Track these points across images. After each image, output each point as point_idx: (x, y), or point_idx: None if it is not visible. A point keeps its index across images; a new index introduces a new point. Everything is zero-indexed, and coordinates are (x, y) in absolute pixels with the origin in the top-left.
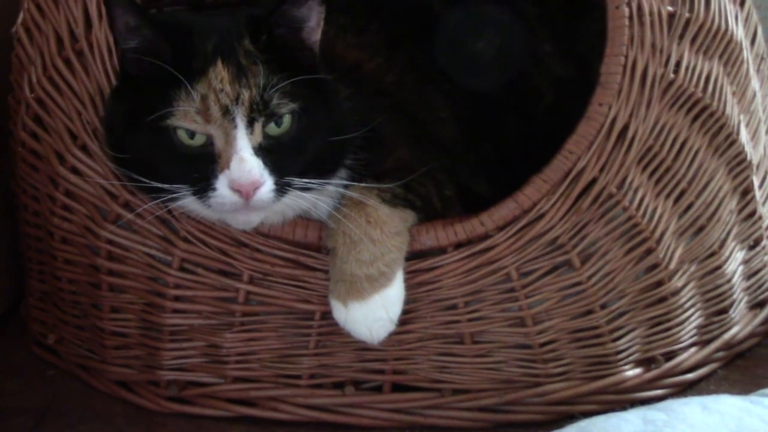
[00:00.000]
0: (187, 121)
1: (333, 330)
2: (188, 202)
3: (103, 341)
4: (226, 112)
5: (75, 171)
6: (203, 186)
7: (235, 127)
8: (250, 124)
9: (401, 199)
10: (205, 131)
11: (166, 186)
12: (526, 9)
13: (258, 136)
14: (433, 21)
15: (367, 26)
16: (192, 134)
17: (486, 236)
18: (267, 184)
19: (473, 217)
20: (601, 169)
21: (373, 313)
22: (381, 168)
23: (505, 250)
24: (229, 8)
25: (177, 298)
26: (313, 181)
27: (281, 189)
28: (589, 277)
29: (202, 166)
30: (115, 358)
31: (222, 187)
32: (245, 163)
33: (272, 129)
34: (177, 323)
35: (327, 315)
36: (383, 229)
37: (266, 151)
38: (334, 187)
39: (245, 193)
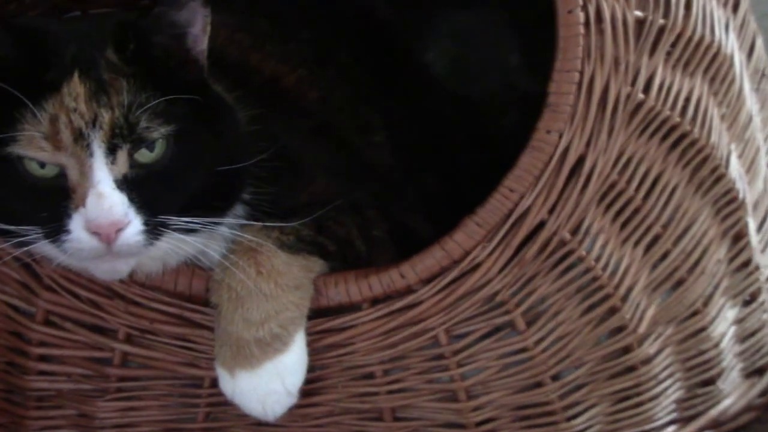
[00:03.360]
0: (32, 148)
1: (226, 400)
2: (42, 246)
3: None
4: (80, 136)
5: None
6: (55, 227)
7: (91, 155)
8: (112, 151)
9: (308, 243)
10: (56, 161)
11: (11, 228)
12: (494, 14)
13: (122, 166)
14: (374, 28)
15: (294, 35)
16: (41, 164)
17: (409, 291)
18: (133, 225)
19: (392, 268)
20: (551, 211)
21: (266, 385)
22: (289, 204)
23: (431, 308)
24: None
25: (42, 358)
26: (196, 221)
27: (153, 231)
28: (538, 342)
29: (54, 203)
30: None
31: (77, 228)
32: (104, 200)
33: (142, 156)
34: (42, 387)
35: (218, 382)
36: (278, 282)
37: (133, 184)
38: (227, 228)
39: (105, 236)
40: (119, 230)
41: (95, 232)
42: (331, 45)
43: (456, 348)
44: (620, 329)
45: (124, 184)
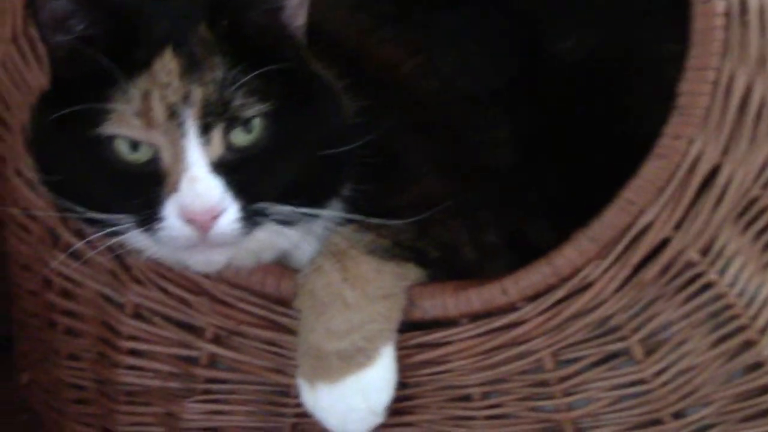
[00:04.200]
0: (123, 126)
1: None
2: (135, 236)
3: (60, 392)
4: (173, 114)
5: (31, 185)
6: (148, 215)
7: (184, 134)
8: (206, 130)
9: (404, 248)
10: (148, 139)
11: (103, 217)
12: None
13: (217, 147)
14: (502, 13)
15: (416, 17)
16: (134, 146)
17: (511, 308)
18: (230, 212)
19: (493, 282)
20: (677, 227)
21: (347, 401)
22: (391, 204)
23: (536, 328)
24: None
25: (131, 352)
26: (297, 209)
27: (251, 219)
28: (657, 374)
29: (146, 190)
30: (73, 413)
31: (171, 216)
32: (198, 184)
33: (238, 138)
34: (132, 382)
35: None
36: (365, 290)
37: (229, 168)
38: (324, 224)
39: (201, 223)
40: (215, 217)
41: (190, 220)
42: (453, 31)
43: (563, 374)
44: (757, 366)
45: (220, 167)
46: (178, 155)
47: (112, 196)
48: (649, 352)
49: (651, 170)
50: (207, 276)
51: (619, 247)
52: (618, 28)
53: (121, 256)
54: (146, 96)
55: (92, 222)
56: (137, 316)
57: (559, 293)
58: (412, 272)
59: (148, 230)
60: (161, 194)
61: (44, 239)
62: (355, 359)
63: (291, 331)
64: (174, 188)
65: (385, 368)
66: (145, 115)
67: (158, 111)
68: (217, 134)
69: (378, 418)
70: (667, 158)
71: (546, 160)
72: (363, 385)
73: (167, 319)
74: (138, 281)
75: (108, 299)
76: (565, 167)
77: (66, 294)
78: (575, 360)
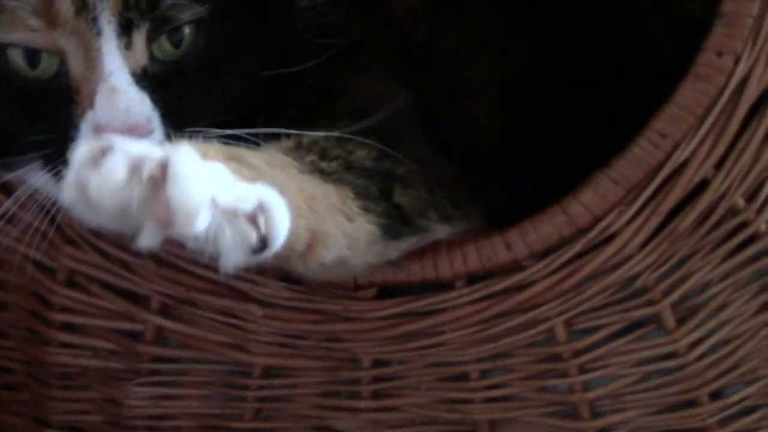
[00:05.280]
0: (17, 29)
1: (280, 395)
2: (41, 181)
3: None
4: (83, 7)
5: None
6: (58, 147)
7: (99, 33)
8: (126, 30)
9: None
10: (50, 43)
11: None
12: None
13: (140, 55)
14: None
15: None
16: (33, 58)
17: (517, 267)
18: (157, 136)
19: (495, 236)
20: (718, 166)
21: None
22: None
23: (546, 291)
24: None
25: (65, 326)
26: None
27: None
28: (692, 346)
29: (53, 115)
30: (4, 402)
31: (85, 138)
32: (118, 96)
33: (164, 49)
34: (66, 362)
35: (272, 371)
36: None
37: (155, 82)
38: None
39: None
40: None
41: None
42: None
43: (578, 347)
44: None
45: (144, 80)
46: (92, 61)
47: (11, 128)
48: (681, 320)
49: (688, 94)
50: None
51: (648, 191)
52: None
53: (51, 213)
54: None
55: None
56: (71, 283)
57: (575, 248)
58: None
59: (56, 168)
60: (73, 116)
61: None
62: None
63: (251, 299)
64: (88, 104)
65: None
66: (45, 12)
67: (63, 5)
68: (139, 38)
69: None
70: (709, 80)
71: (538, 111)
72: None
73: (106, 286)
74: (71, 242)
75: (37, 265)
76: (561, 117)
77: None
78: (593, 330)
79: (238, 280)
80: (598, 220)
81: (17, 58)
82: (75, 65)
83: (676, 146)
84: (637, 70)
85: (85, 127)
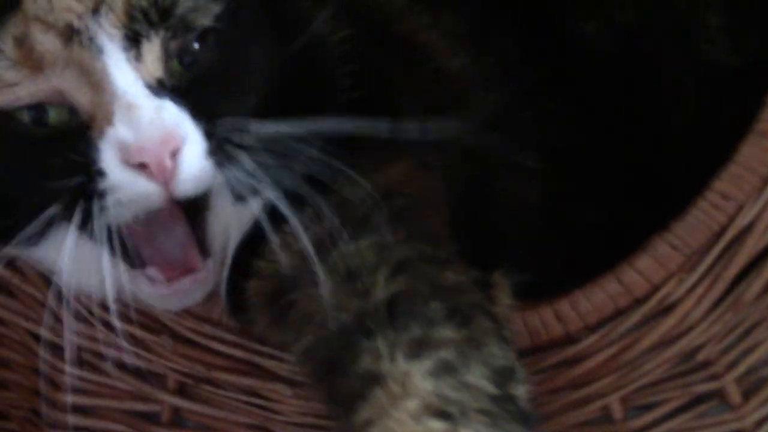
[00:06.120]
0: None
1: None
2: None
3: None
4: (73, 33)
5: None
6: (81, 187)
7: (100, 51)
8: (133, 42)
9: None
10: (43, 89)
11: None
12: None
13: (154, 67)
14: None
15: None
16: (37, 119)
17: (568, 340)
18: (193, 140)
19: (544, 306)
20: None
21: None
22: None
23: (601, 366)
24: None
25: (74, 409)
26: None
27: (223, 149)
28: (760, 423)
29: (70, 159)
30: None
31: (111, 164)
32: (139, 108)
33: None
34: None
35: None
36: None
37: (177, 88)
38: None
39: (158, 163)
40: (175, 152)
41: (141, 162)
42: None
43: (636, 425)
44: None
45: (164, 87)
46: (98, 84)
47: (22, 191)
48: (748, 394)
49: (751, 153)
50: None
51: (710, 257)
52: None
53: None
54: (20, 40)
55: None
56: (80, 361)
57: (632, 319)
58: None
59: (86, 210)
60: (91, 143)
61: None
62: None
63: (277, 377)
64: (107, 122)
65: None
66: (26, 59)
67: (46, 43)
68: (151, 49)
69: None
70: None
71: (578, 185)
72: None
73: (118, 364)
74: (80, 317)
75: (41, 341)
76: (594, 184)
77: None
78: (652, 406)
79: (263, 357)
80: (656, 288)
81: (21, 116)
82: (80, 96)
83: (740, 208)
84: (666, 125)
85: (107, 149)
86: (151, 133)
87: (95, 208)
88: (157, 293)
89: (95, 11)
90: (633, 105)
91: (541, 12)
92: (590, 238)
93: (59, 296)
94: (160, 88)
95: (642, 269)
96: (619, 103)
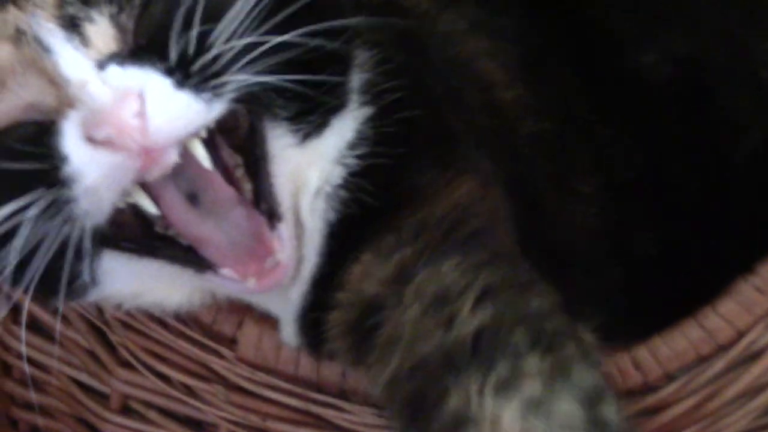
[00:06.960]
0: None
1: None
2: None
3: None
4: (20, 35)
5: None
6: (49, 169)
7: (47, 49)
8: (74, 29)
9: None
10: (17, 107)
11: None
12: None
13: (107, 46)
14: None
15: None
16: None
17: (646, 388)
18: (155, 84)
19: (620, 352)
20: None
21: None
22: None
23: (684, 417)
24: None
25: None
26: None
27: (202, 81)
28: None
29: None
30: None
31: (75, 144)
32: (87, 86)
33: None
34: None
35: None
36: None
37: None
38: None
39: (117, 126)
40: (139, 112)
41: (103, 139)
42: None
43: None
44: None
45: (110, 59)
46: (54, 79)
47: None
48: None
49: None
50: (220, 354)
51: None
52: (711, 28)
53: (102, 333)
54: None
55: None
56: (126, 410)
57: (716, 366)
58: None
59: (56, 199)
60: (56, 128)
61: None
62: None
63: (338, 428)
64: (63, 113)
65: None
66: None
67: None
68: (98, 30)
69: None
70: None
71: (637, 215)
72: None
73: (166, 413)
74: (126, 364)
75: (86, 388)
76: (654, 219)
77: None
78: None
79: (320, 406)
80: (741, 334)
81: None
82: (45, 99)
83: None
84: (727, 154)
85: (69, 126)
86: (102, 100)
87: (62, 200)
88: (242, 290)
89: (33, 11)
90: (692, 135)
91: (599, 43)
92: (652, 273)
93: (105, 341)
94: (108, 59)
95: (726, 314)
96: (677, 132)
